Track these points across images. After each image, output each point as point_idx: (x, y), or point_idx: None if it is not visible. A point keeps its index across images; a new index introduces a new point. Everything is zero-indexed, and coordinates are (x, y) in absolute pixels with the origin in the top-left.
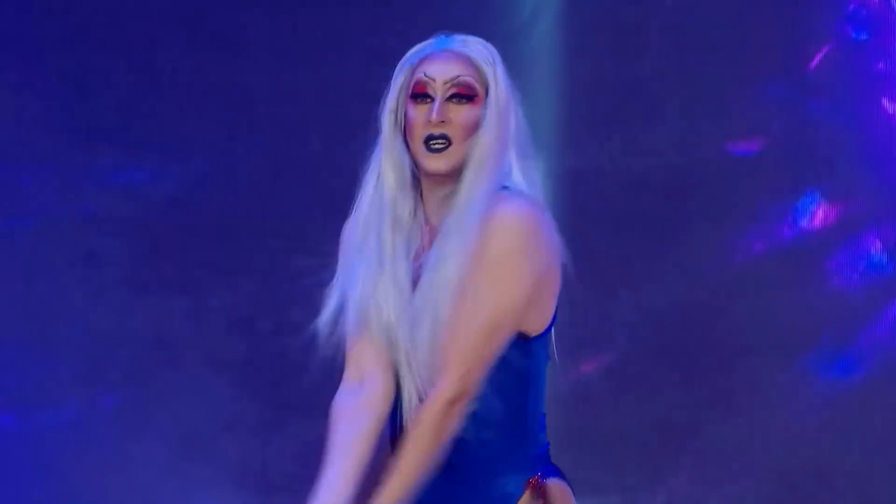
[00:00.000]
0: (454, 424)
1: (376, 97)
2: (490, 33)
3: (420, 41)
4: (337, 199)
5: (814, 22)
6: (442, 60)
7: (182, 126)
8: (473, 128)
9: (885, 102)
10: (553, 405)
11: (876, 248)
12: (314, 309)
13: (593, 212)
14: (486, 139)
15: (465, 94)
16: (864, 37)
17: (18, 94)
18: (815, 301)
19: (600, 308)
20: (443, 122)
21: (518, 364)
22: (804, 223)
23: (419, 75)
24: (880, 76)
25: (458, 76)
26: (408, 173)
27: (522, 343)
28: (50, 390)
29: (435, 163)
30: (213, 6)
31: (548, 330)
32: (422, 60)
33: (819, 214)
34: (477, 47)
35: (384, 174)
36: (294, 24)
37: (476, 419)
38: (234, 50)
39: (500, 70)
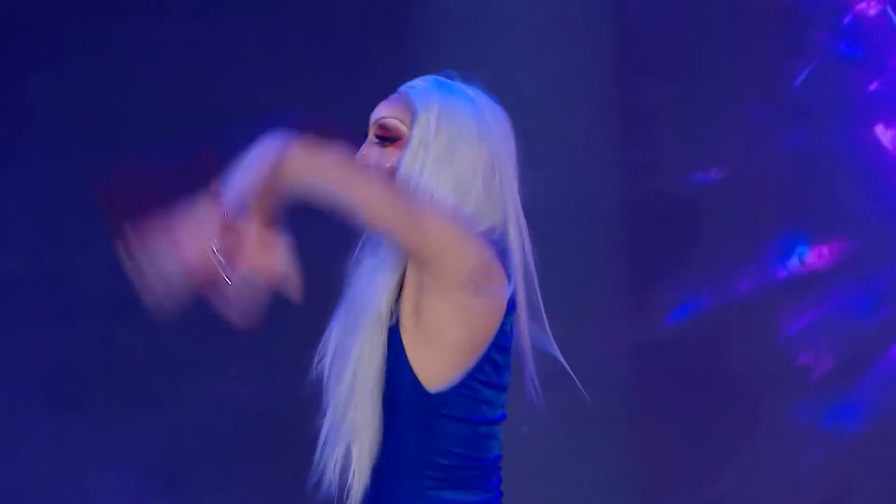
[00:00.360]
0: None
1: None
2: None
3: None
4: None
5: (799, 35)
6: (384, 101)
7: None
8: (390, 172)
9: (880, 129)
10: (540, 438)
11: (866, 289)
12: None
13: (564, 241)
14: None
15: (386, 137)
16: (857, 53)
17: None
18: (796, 346)
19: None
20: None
21: (413, 411)
22: (782, 261)
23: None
24: (874, 98)
25: (383, 117)
26: None
27: (422, 389)
28: None
29: None
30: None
31: (453, 393)
32: None
33: (802, 252)
34: (422, 87)
35: None
36: (277, 40)
37: (383, 456)
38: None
39: (439, 115)
